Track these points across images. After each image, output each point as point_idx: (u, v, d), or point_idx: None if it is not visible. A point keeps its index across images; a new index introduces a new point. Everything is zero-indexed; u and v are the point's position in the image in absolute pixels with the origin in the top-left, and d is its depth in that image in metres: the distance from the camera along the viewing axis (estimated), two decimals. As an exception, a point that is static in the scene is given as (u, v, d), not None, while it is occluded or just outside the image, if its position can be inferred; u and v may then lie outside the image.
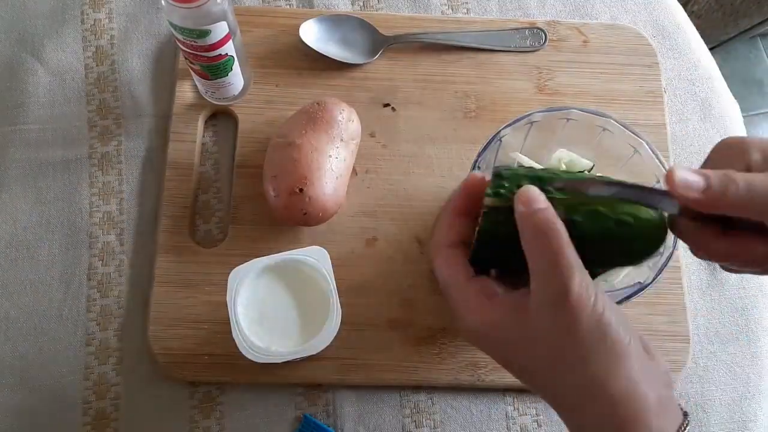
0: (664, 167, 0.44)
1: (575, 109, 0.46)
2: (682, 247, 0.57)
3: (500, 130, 0.47)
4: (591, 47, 0.63)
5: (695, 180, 0.32)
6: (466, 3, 0.65)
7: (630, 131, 0.46)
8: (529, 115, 0.47)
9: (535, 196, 0.34)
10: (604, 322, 0.32)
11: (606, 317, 0.32)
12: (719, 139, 0.63)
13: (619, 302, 0.42)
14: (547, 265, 0.32)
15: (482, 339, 0.36)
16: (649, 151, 0.45)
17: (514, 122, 0.47)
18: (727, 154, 0.34)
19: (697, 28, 0.67)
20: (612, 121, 0.46)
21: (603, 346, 0.32)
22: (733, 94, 0.65)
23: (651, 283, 0.42)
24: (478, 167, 0.46)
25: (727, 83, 0.65)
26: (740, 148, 0.33)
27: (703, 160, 0.60)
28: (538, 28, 0.63)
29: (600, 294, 0.32)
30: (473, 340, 0.36)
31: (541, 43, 0.62)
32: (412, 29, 0.62)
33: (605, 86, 0.61)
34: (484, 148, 0.46)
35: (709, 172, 0.32)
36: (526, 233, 0.34)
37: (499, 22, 0.63)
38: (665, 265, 0.42)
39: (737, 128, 0.63)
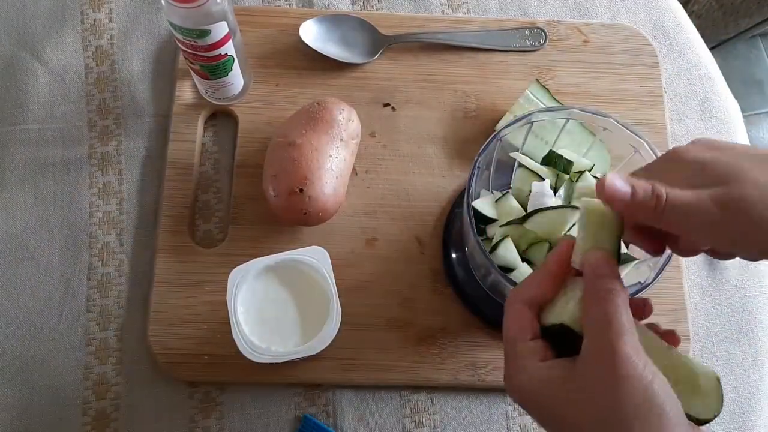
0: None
1: (576, 108, 0.46)
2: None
3: (500, 130, 0.47)
4: (591, 47, 0.63)
5: (622, 187, 0.33)
6: (466, 2, 0.65)
7: (630, 131, 0.46)
8: (529, 115, 0.47)
9: (601, 262, 0.34)
10: (652, 390, 0.30)
11: (655, 386, 0.30)
12: (719, 139, 0.63)
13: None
14: (598, 324, 0.32)
15: (528, 398, 0.35)
16: (650, 150, 0.45)
17: (515, 122, 0.47)
18: (666, 166, 0.35)
19: (698, 28, 0.67)
20: (612, 120, 0.46)
21: (650, 416, 0.30)
22: (733, 94, 0.65)
23: (651, 282, 0.42)
24: (479, 167, 0.46)
25: (727, 83, 0.65)
26: (678, 161, 0.34)
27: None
28: (538, 28, 0.63)
29: (650, 363, 0.31)
30: (519, 399, 0.36)
31: (541, 42, 0.62)
32: (412, 29, 0.62)
33: (605, 86, 0.61)
34: (484, 148, 0.46)
35: (637, 182, 0.33)
36: (587, 295, 0.34)
37: (499, 22, 0.63)
38: (665, 264, 0.42)
39: (737, 128, 0.63)
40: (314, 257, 0.49)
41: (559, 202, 0.47)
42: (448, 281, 0.55)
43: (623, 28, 0.63)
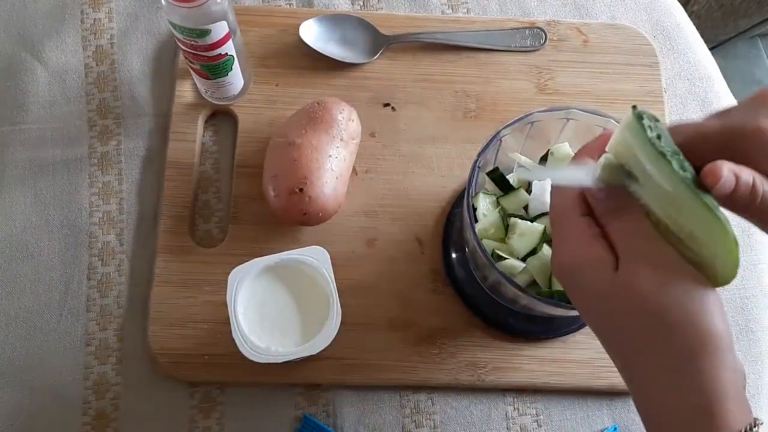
0: None
1: (575, 109, 0.46)
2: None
3: (500, 130, 0.47)
4: (591, 47, 0.63)
5: (728, 178, 0.31)
6: (466, 2, 0.65)
7: None
8: (529, 115, 0.47)
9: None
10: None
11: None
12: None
13: None
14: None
15: (568, 278, 0.35)
16: None
17: (515, 122, 0.47)
18: (747, 146, 0.33)
19: (697, 28, 0.67)
20: (612, 121, 0.46)
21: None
22: (733, 94, 0.65)
23: None
24: (478, 167, 0.46)
25: (727, 83, 0.65)
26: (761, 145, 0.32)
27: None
28: (538, 28, 0.63)
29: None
30: (560, 277, 0.36)
31: (541, 42, 0.62)
32: (412, 29, 0.61)
33: (605, 86, 0.61)
34: (485, 148, 0.46)
35: (741, 175, 0.32)
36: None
37: (499, 22, 0.63)
38: None
39: (737, 128, 0.63)
40: (314, 257, 0.49)
41: None
42: (448, 281, 0.55)
43: (623, 28, 0.63)
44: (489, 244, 0.48)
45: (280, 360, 0.47)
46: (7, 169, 0.58)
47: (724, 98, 0.64)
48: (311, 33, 0.60)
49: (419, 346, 0.54)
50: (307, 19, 0.61)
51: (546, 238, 0.47)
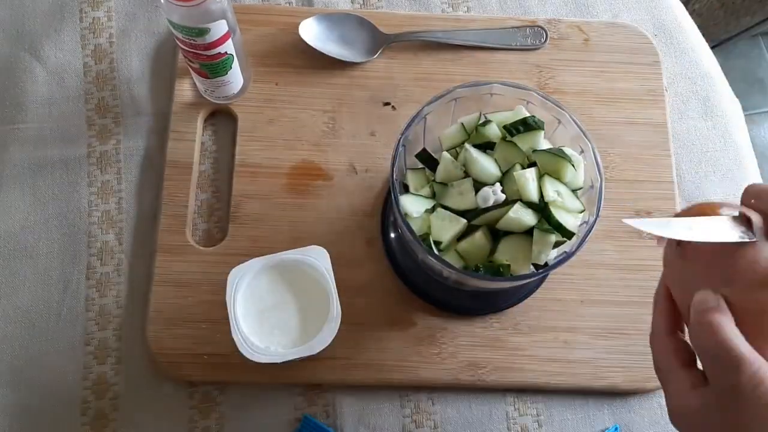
0: (585, 135, 0.46)
1: (497, 83, 0.47)
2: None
3: (423, 107, 0.47)
4: (592, 46, 0.62)
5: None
6: (467, 1, 0.65)
7: (552, 102, 0.47)
8: (451, 91, 0.47)
9: (707, 299, 0.33)
10: None
11: None
12: (720, 138, 0.63)
13: (550, 268, 0.45)
14: (713, 359, 0.32)
15: (683, 424, 0.35)
16: (571, 120, 0.47)
17: (438, 99, 0.47)
18: None
19: (699, 27, 0.67)
20: (534, 94, 0.47)
21: None
22: (735, 93, 0.65)
23: (575, 251, 0.44)
24: (403, 146, 0.47)
25: (728, 82, 0.65)
26: None
27: (703, 158, 0.60)
28: (539, 27, 0.62)
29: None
30: (678, 424, 0.36)
31: (542, 41, 0.62)
32: (413, 27, 0.61)
33: (606, 85, 0.61)
34: (408, 126, 0.47)
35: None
36: (693, 333, 0.34)
37: (499, 20, 0.63)
38: (588, 233, 0.44)
39: (738, 127, 0.63)
40: (314, 257, 0.49)
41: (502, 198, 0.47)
42: (390, 264, 0.55)
43: (624, 27, 0.63)
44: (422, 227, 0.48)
45: (279, 360, 0.47)
46: (5, 169, 0.58)
47: (726, 97, 0.64)
48: (311, 32, 0.60)
49: (419, 346, 0.54)
50: (307, 17, 0.60)
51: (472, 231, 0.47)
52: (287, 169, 0.57)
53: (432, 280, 0.52)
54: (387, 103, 0.60)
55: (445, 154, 0.48)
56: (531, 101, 0.48)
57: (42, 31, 0.62)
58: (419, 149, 0.50)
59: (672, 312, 0.37)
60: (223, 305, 0.48)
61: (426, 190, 0.49)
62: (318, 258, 0.49)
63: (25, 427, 0.52)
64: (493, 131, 0.48)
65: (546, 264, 0.47)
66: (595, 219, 0.45)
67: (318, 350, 0.48)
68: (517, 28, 0.62)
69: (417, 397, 0.54)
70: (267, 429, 0.53)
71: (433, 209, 0.48)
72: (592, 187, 0.47)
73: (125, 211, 0.57)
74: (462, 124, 0.49)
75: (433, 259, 0.44)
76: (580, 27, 0.63)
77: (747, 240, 0.33)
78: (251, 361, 0.47)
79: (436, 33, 0.61)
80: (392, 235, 0.56)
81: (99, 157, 0.59)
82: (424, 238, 0.47)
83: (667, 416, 0.36)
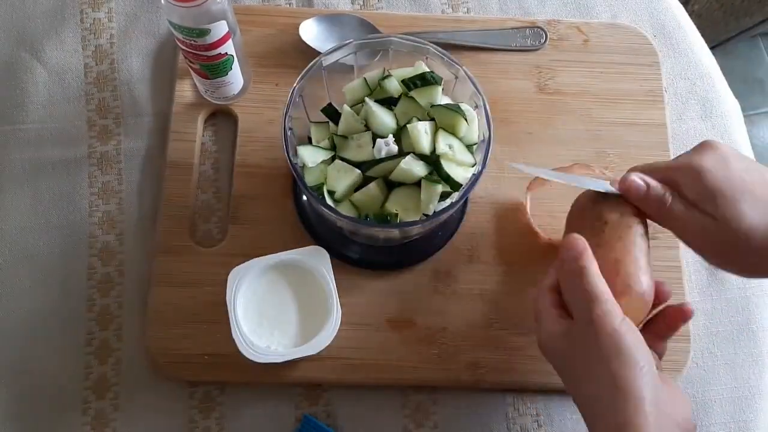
0: (478, 90, 0.49)
1: (395, 37, 0.50)
2: (683, 248, 0.57)
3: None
4: (591, 46, 0.63)
5: (639, 184, 0.44)
6: (467, 2, 0.65)
7: (447, 58, 0.49)
8: (348, 43, 0.49)
9: (575, 244, 0.43)
10: (622, 340, 0.40)
11: (627, 337, 0.40)
12: (719, 139, 0.64)
13: (434, 216, 0.47)
14: (579, 297, 0.42)
15: (546, 347, 0.44)
16: (466, 76, 0.49)
17: (336, 49, 0.49)
18: (690, 173, 0.43)
19: (698, 27, 0.67)
20: (431, 48, 0.49)
21: (619, 357, 0.39)
22: (734, 94, 0.65)
23: (459, 200, 0.47)
24: (300, 96, 0.49)
25: (727, 82, 0.65)
26: (699, 178, 0.42)
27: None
28: (539, 27, 0.62)
29: (626, 320, 0.40)
30: (542, 349, 0.45)
31: (542, 42, 0.62)
32: (413, 28, 0.61)
33: (606, 85, 0.61)
34: (304, 74, 0.49)
35: (652, 181, 0.44)
36: (565, 275, 0.43)
37: (499, 21, 0.63)
38: (473, 183, 0.47)
39: (738, 127, 0.63)
40: (314, 257, 0.49)
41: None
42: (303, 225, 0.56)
43: (623, 28, 0.63)
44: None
45: (280, 360, 0.47)
46: (6, 169, 0.58)
47: (725, 98, 0.64)
48: (311, 32, 0.60)
49: (419, 346, 0.54)
50: (307, 18, 0.61)
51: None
52: (287, 170, 0.57)
53: (339, 236, 0.54)
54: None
55: (346, 107, 0.50)
56: (429, 56, 0.50)
57: (43, 32, 0.62)
58: (325, 104, 0.52)
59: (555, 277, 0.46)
60: (223, 305, 0.48)
61: (325, 143, 0.50)
62: (318, 258, 0.49)
63: (25, 427, 0.52)
64: (393, 85, 0.50)
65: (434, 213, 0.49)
66: (481, 170, 0.47)
67: (318, 350, 0.48)
68: (516, 28, 0.62)
69: (417, 397, 0.54)
70: (267, 429, 0.53)
71: (331, 161, 0.49)
72: (483, 140, 0.49)
73: (126, 211, 0.57)
74: (364, 78, 0.51)
75: (323, 207, 0.46)
76: (579, 28, 0.63)
77: (612, 192, 0.46)
78: (251, 361, 0.47)
79: (436, 34, 0.61)
80: (304, 198, 0.57)
81: (99, 158, 0.59)
82: (318, 187, 0.48)
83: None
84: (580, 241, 0.43)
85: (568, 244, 0.43)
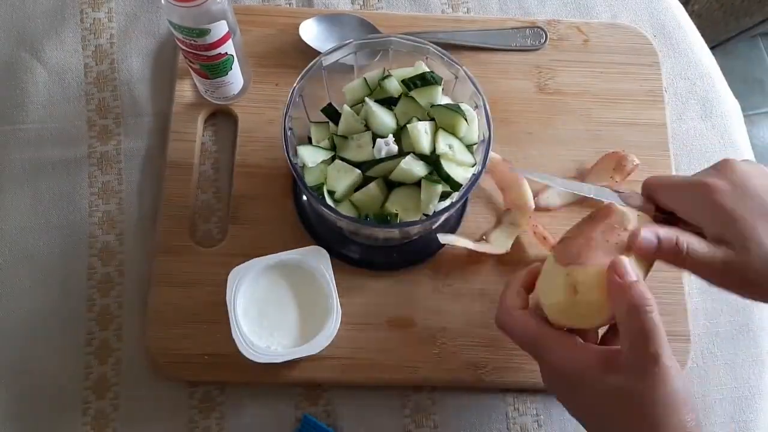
0: (478, 90, 0.49)
1: (395, 37, 0.50)
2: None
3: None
4: (591, 46, 0.63)
5: (650, 241, 0.40)
6: (467, 2, 0.65)
7: (448, 58, 0.49)
8: (349, 42, 0.49)
9: (627, 268, 0.39)
10: (683, 392, 0.38)
11: (685, 390, 0.38)
12: (720, 139, 0.63)
13: (435, 216, 0.47)
14: (641, 336, 0.38)
15: (566, 378, 0.42)
16: (466, 76, 0.49)
17: (336, 49, 0.49)
18: (701, 201, 0.41)
19: (698, 27, 0.67)
20: (431, 48, 0.49)
21: (678, 412, 0.37)
22: (734, 94, 0.65)
23: (459, 200, 0.47)
24: (300, 97, 0.49)
25: (727, 82, 0.65)
26: (712, 206, 0.40)
27: (702, 159, 0.61)
28: (539, 27, 0.62)
29: (684, 373, 0.39)
30: (557, 380, 0.43)
31: (542, 42, 0.62)
32: (413, 28, 0.61)
33: (606, 85, 0.61)
34: (304, 74, 0.49)
35: (663, 235, 0.40)
36: (621, 306, 0.39)
37: (499, 21, 0.63)
38: (472, 184, 0.47)
39: (738, 127, 0.63)
40: (314, 257, 0.49)
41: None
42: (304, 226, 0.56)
43: (623, 28, 0.63)
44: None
45: (280, 360, 0.47)
46: (6, 169, 0.58)
47: (725, 98, 0.64)
48: (311, 32, 0.60)
49: (419, 346, 0.54)
50: (307, 18, 0.61)
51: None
52: (287, 170, 0.57)
53: (339, 236, 0.54)
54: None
55: (346, 107, 0.50)
56: (429, 56, 0.50)
57: (43, 32, 0.62)
58: (325, 104, 0.52)
59: (524, 295, 0.45)
60: (223, 305, 0.48)
61: (325, 143, 0.50)
62: (318, 258, 0.49)
63: (25, 427, 0.52)
64: (393, 85, 0.50)
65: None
66: (481, 170, 0.47)
67: (318, 350, 0.48)
68: (516, 28, 0.62)
69: (417, 397, 0.54)
70: (267, 429, 0.53)
71: (331, 161, 0.49)
72: (483, 140, 0.49)
73: (126, 211, 0.57)
74: (364, 78, 0.51)
75: (323, 207, 0.46)
76: (579, 28, 0.63)
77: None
78: (251, 361, 0.47)
79: (436, 34, 0.61)
80: (304, 198, 0.57)
81: (99, 158, 0.59)
82: (318, 187, 0.48)
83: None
84: (626, 263, 0.40)
85: (619, 265, 0.40)
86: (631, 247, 0.41)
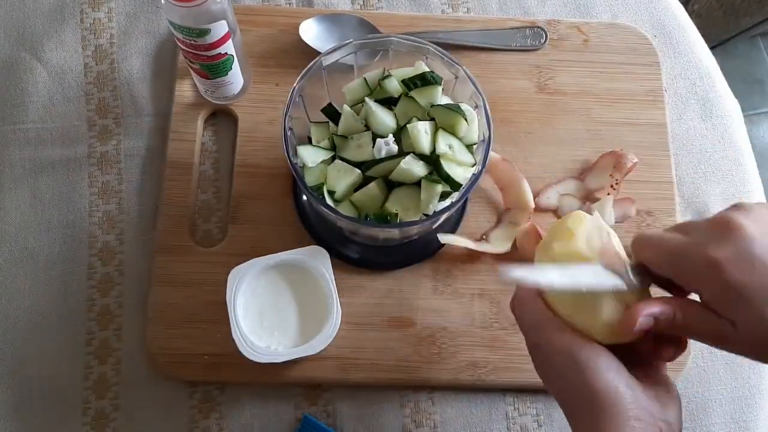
0: (478, 90, 0.48)
1: (395, 37, 0.50)
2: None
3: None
4: (591, 46, 0.63)
5: (646, 323, 0.38)
6: (467, 2, 0.65)
7: (448, 58, 0.49)
8: (348, 42, 0.49)
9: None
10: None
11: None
12: (720, 139, 0.63)
13: (435, 215, 0.47)
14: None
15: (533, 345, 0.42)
16: (466, 76, 0.49)
17: (336, 49, 0.49)
18: (707, 272, 0.36)
19: (698, 27, 0.67)
20: (431, 48, 0.49)
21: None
22: (734, 94, 0.65)
23: (459, 200, 0.47)
24: (300, 97, 0.49)
25: (727, 82, 0.65)
26: (719, 276, 0.36)
27: (702, 159, 0.60)
28: (539, 27, 0.62)
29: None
30: (537, 353, 0.42)
31: (542, 42, 0.62)
32: (413, 28, 0.61)
33: (606, 85, 0.61)
34: (304, 74, 0.49)
35: (659, 313, 0.38)
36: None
37: (499, 21, 0.63)
38: (472, 184, 0.47)
39: (738, 127, 0.63)
40: (314, 257, 0.49)
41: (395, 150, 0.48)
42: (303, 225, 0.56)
43: (623, 28, 0.63)
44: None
45: (279, 360, 0.47)
46: (6, 169, 0.58)
47: (725, 98, 0.64)
48: (311, 32, 0.60)
49: (419, 346, 0.54)
50: (307, 18, 0.61)
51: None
52: (287, 170, 0.57)
53: (339, 236, 0.54)
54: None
55: (346, 107, 0.50)
56: (429, 56, 0.50)
57: (43, 32, 0.62)
58: (325, 104, 0.52)
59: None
60: (223, 305, 0.48)
61: (325, 143, 0.50)
62: (318, 258, 0.49)
63: (25, 427, 0.52)
64: (393, 85, 0.50)
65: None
66: (481, 170, 0.47)
67: (318, 350, 0.48)
68: (516, 28, 0.62)
69: (417, 397, 0.54)
70: (267, 429, 0.53)
71: (331, 161, 0.49)
72: (483, 140, 0.49)
73: (126, 211, 0.57)
74: (364, 78, 0.51)
75: (323, 207, 0.46)
76: (579, 28, 0.63)
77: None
78: (251, 361, 0.47)
79: (436, 34, 0.61)
80: (304, 198, 0.57)
81: (99, 158, 0.59)
82: (318, 187, 0.48)
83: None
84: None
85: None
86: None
